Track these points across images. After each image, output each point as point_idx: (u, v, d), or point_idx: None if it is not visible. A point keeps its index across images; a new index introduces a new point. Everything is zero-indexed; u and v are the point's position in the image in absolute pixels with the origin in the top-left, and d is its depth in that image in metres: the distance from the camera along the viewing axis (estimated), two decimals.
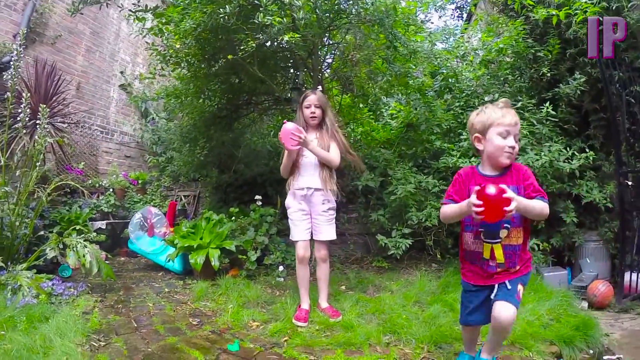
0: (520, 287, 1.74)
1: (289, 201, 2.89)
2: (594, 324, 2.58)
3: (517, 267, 1.76)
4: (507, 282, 1.73)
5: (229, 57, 3.27)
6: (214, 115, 4.86)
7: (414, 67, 4.57)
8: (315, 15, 3.51)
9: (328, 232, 2.84)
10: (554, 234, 4.17)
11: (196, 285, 3.53)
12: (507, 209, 1.48)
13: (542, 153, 4.00)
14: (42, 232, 3.78)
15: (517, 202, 1.52)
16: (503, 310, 1.67)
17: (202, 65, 4.07)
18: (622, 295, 3.53)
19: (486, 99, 4.94)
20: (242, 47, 3.14)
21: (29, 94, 3.51)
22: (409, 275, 4.01)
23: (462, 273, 1.92)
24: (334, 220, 2.89)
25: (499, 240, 1.74)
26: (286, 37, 2.97)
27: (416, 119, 4.68)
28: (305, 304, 2.81)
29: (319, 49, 4.15)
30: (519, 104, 4.50)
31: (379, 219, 4.22)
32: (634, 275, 3.60)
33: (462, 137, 4.37)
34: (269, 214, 4.27)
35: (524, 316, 2.61)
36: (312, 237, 2.89)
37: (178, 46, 3.50)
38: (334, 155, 2.81)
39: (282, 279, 3.79)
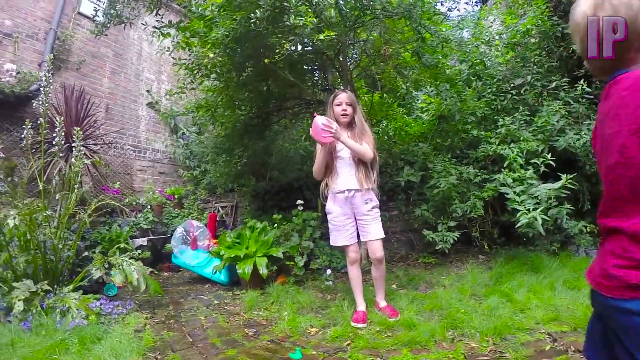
0: None
1: (330, 206, 2.84)
2: None
3: None
4: None
5: (266, 60, 3.27)
6: (246, 125, 4.88)
7: (442, 57, 4.47)
8: (339, 15, 3.48)
9: (376, 230, 2.77)
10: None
11: (246, 295, 3.52)
12: None
13: (582, 132, 3.88)
14: (85, 253, 3.83)
15: None
16: None
17: (232, 75, 4.08)
18: None
19: (517, 82, 4.83)
20: (277, 51, 3.13)
21: (62, 118, 3.58)
22: (458, 269, 3.92)
23: None
24: (380, 218, 2.83)
25: None
26: (321, 36, 2.95)
27: (447, 110, 4.60)
28: (361, 306, 2.78)
29: (346, 47, 4.11)
30: (553, 84, 4.39)
31: (422, 214, 4.14)
32: None
33: (498, 123, 4.26)
34: (312, 218, 4.24)
35: (583, 300, 2.61)
36: (359, 238, 2.86)
37: (211, 55, 3.48)
38: (367, 147, 2.74)
39: (330, 283, 3.75)
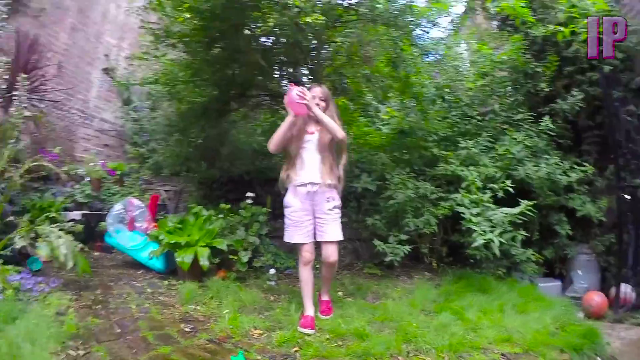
0: None
1: (290, 199, 2.68)
2: (598, 333, 2.64)
3: None
4: None
5: (245, 32, 3.08)
6: (205, 107, 4.60)
7: (415, 72, 4.47)
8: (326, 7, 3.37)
9: (334, 232, 2.63)
10: (547, 246, 4.19)
11: (183, 287, 3.24)
12: None
13: (540, 165, 4.03)
14: (10, 218, 3.38)
15: None
16: None
17: (201, 49, 3.83)
18: (619, 306, 3.62)
19: (483, 109, 4.94)
20: (259, 25, 2.96)
21: (9, 60, 3.22)
22: (405, 283, 3.90)
23: None
24: (340, 219, 2.69)
25: None
26: (309, 19, 2.82)
27: (409, 125, 4.61)
28: (310, 311, 2.62)
29: (323, 43, 4.00)
30: (519, 116, 4.53)
31: (374, 224, 4.07)
32: (628, 288, 3.70)
33: (460, 145, 4.31)
34: (261, 213, 4.06)
35: (532, 324, 2.64)
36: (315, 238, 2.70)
37: (188, 15, 3.16)
38: (338, 125, 2.63)
39: (273, 283, 3.58)
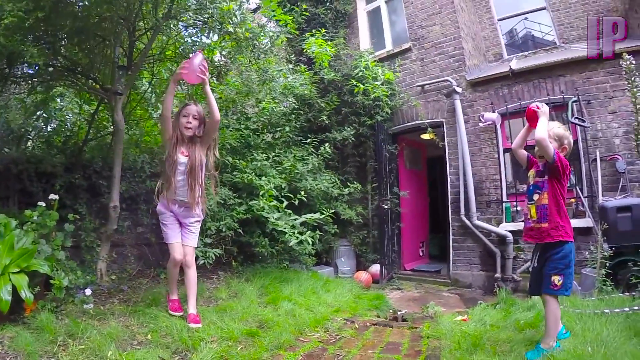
0: (554, 278, 2.27)
1: (162, 209, 2.95)
2: (384, 295, 4.04)
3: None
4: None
5: None
6: None
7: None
8: None
9: (193, 240, 3.01)
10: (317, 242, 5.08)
11: (14, 340, 2.25)
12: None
13: (320, 180, 5.02)
14: None
15: None
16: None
17: None
18: (382, 278, 5.37)
19: (275, 129, 5.63)
20: None
21: None
22: (215, 284, 3.96)
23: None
24: (198, 230, 3.08)
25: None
26: None
27: None
28: (175, 295, 3.03)
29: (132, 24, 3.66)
30: (308, 140, 5.51)
31: None
32: (382, 267, 5.46)
33: (255, 157, 4.83)
34: (70, 219, 3.24)
35: (340, 298, 3.63)
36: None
37: None
38: (218, 112, 2.93)
39: (90, 306, 2.88)
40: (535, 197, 2.36)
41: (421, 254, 7.07)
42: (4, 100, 4.30)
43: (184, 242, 2.96)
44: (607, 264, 3.55)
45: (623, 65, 3.87)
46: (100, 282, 3.44)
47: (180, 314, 2.86)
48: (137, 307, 2.97)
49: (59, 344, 2.31)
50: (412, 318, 3.51)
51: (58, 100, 4.59)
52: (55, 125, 4.77)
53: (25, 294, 2.44)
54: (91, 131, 4.45)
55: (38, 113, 4.50)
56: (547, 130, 2.26)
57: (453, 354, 2.31)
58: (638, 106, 3.62)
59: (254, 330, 2.72)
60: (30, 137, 4.61)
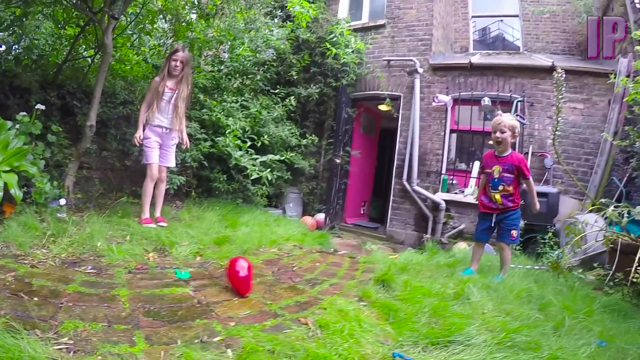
0: (513, 232, 3.05)
1: (147, 134, 3.51)
2: (327, 235, 4.49)
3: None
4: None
5: None
6: None
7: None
8: None
9: (172, 161, 3.68)
10: (269, 186, 5.45)
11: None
12: None
13: (281, 129, 5.36)
14: None
15: None
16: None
17: None
18: (326, 225, 5.99)
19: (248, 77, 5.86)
20: None
21: None
22: (177, 210, 4.26)
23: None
24: (175, 152, 3.69)
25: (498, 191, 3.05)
26: None
27: None
28: (147, 214, 3.45)
29: None
30: (277, 91, 5.85)
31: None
32: (326, 216, 6.18)
33: (225, 99, 5.10)
34: (53, 131, 3.43)
35: (290, 231, 4.05)
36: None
37: None
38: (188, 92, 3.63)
39: (64, 215, 3.06)
40: (501, 187, 3.04)
41: (362, 212, 7.73)
42: None
43: (163, 163, 3.59)
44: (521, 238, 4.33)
45: (555, 77, 4.18)
46: (67, 198, 3.51)
47: (153, 225, 3.27)
48: (110, 217, 3.25)
49: (47, 238, 2.55)
50: (351, 255, 4.08)
51: (39, 17, 4.44)
52: (26, 44, 4.60)
53: (15, 191, 2.61)
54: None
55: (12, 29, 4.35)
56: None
57: (385, 273, 2.85)
58: (560, 115, 4.20)
59: (220, 239, 3.16)
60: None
